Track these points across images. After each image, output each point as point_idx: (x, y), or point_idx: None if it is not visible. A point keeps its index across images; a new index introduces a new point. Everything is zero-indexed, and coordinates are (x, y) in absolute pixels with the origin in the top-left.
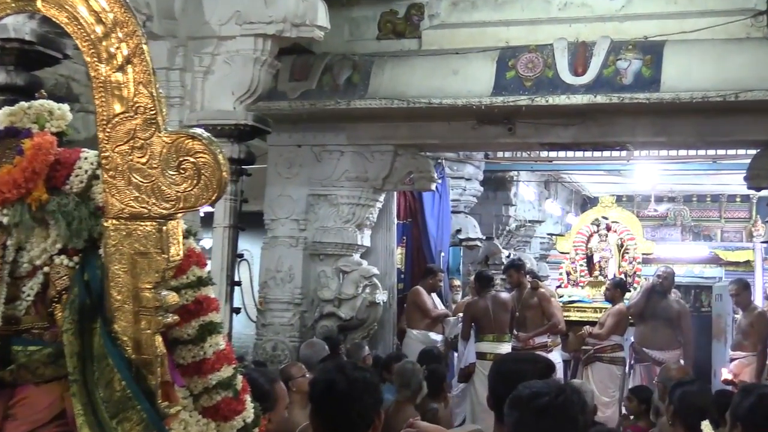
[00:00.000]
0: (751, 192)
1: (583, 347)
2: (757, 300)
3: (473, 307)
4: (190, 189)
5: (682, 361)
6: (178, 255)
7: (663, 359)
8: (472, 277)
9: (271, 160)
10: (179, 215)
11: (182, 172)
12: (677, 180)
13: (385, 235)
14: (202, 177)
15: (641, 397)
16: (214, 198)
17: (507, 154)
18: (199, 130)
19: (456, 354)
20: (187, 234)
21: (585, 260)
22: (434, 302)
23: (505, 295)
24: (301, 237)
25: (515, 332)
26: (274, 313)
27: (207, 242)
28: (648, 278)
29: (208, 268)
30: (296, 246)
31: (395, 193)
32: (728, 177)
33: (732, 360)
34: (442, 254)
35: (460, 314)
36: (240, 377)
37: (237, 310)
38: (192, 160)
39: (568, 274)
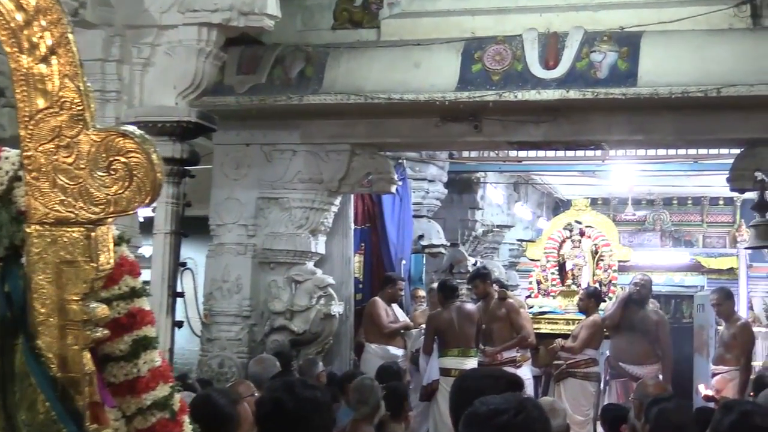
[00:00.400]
0: (735, 194)
1: (555, 362)
2: (741, 310)
3: (436, 319)
4: (121, 191)
5: (660, 377)
6: (109, 263)
7: (640, 374)
8: (435, 286)
9: (216, 161)
10: (110, 220)
11: (113, 173)
12: (656, 182)
13: (342, 242)
14: (134, 178)
15: (608, 416)
16: (147, 201)
17: (473, 154)
18: (131, 127)
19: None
20: (119, 240)
21: (557, 268)
22: (394, 314)
23: (470, 306)
24: (249, 244)
25: (482, 346)
26: (221, 326)
27: (147, 250)
28: (624, 287)
29: (144, 277)
30: (244, 254)
31: (352, 196)
32: (710, 178)
33: (714, 375)
34: (403, 262)
35: (423, 326)
36: (177, 396)
37: (179, 324)
38: (123, 160)
39: (539, 283)
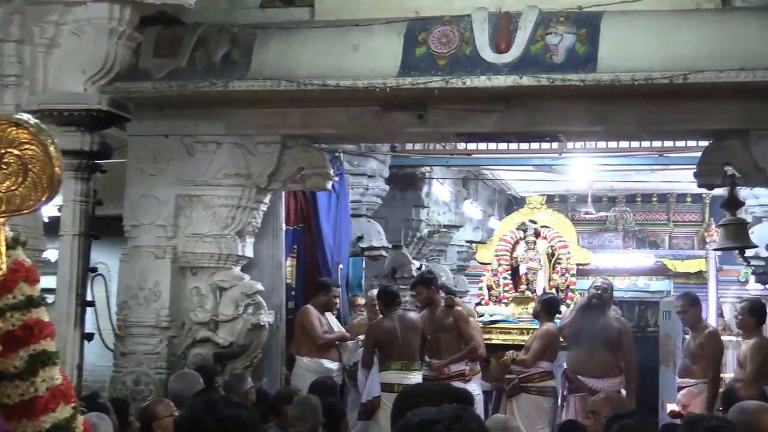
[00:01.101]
0: (703, 191)
1: (507, 376)
2: (711, 317)
3: (377, 329)
4: (14, 188)
5: (623, 391)
6: (1, 269)
7: (601, 388)
8: (373, 293)
9: (131, 154)
10: (2, 220)
11: (4, 167)
12: (618, 177)
13: (272, 244)
14: (29, 173)
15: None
16: (45, 198)
17: (417, 147)
18: (25, 116)
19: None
20: (14, 243)
21: (509, 272)
22: (329, 323)
23: (414, 314)
24: (169, 247)
25: (427, 359)
26: (137, 339)
27: (52, 254)
28: (583, 293)
29: (47, 284)
30: (163, 257)
31: (283, 193)
32: (677, 173)
33: (680, 389)
34: (341, 266)
35: (360, 337)
36: (81, 419)
37: (89, 337)
38: (16, 152)
39: (490, 288)
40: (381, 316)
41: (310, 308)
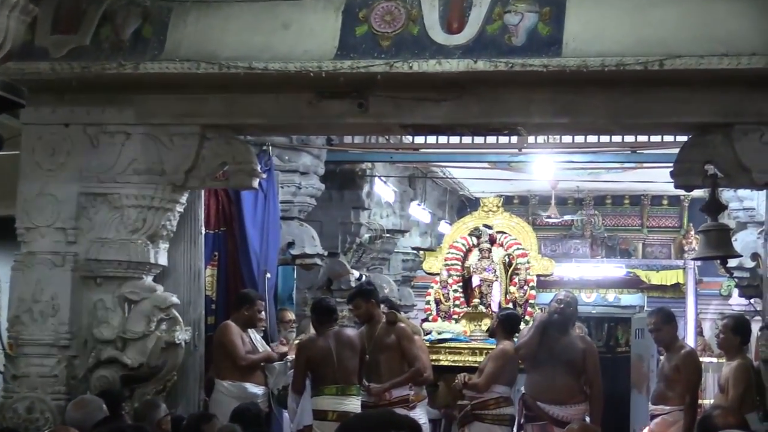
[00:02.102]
0: (682, 192)
1: (459, 402)
2: (688, 336)
3: (309, 349)
4: None
5: (587, 419)
6: None
7: (563, 416)
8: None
9: (25, 145)
10: None
11: None
12: (585, 176)
13: (189, 251)
14: None
15: None
16: None
17: (357, 140)
18: None
19: (285, 413)
20: None
21: (461, 284)
22: (252, 342)
23: (352, 332)
24: (69, 253)
25: (365, 382)
26: (30, 359)
27: None
28: (544, 308)
29: None
30: (62, 265)
31: (203, 192)
32: (652, 172)
33: (653, 417)
34: (268, 275)
35: (290, 357)
36: None
37: None
38: None
39: (438, 302)
40: (312, 332)
41: (231, 325)
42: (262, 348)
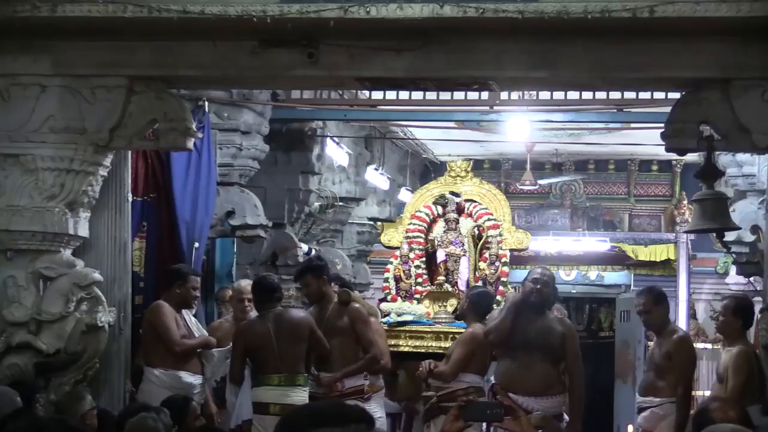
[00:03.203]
0: (674, 157)
1: (423, 393)
2: (680, 319)
3: (248, 333)
4: None
5: (566, 413)
6: None
7: (538, 408)
8: (241, 285)
9: None
10: None
11: None
12: (565, 138)
13: (114, 221)
14: None
15: None
16: None
17: (307, 95)
18: None
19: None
20: None
21: (424, 259)
22: (187, 325)
23: (298, 313)
24: None
25: (314, 371)
26: None
27: None
28: (518, 287)
29: None
30: None
31: (130, 154)
32: (640, 134)
33: (641, 410)
34: (196, 245)
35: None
36: None
37: None
38: None
39: (398, 280)
40: (254, 314)
41: (163, 305)
42: (198, 331)
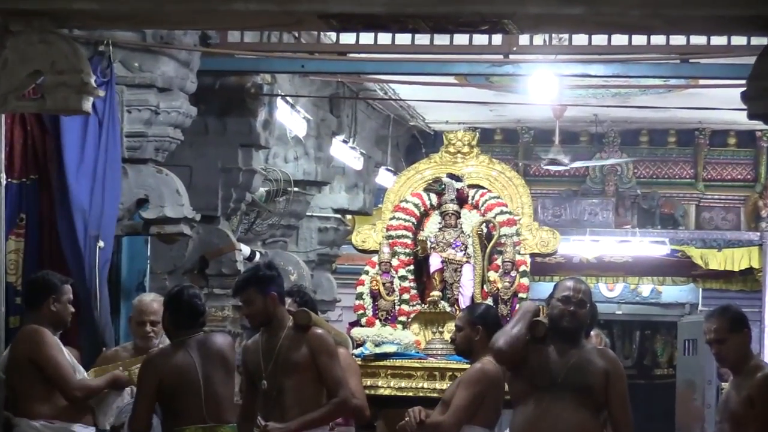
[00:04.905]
0: (758, 126)
1: None
2: (767, 352)
3: (164, 366)
4: None
5: None
6: None
7: None
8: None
9: None
10: None
11: None
12: (608, 99)
13: None
14: None
15: None
16: None
17: (250, 38)
18: None
19: None
20: None
21: (412, 267)
22: (71, 357)
23: (224, 340)
24: None
25: (260, 420)
26: None
27: None
28: (542, 305)
29: None
30: None
31: (2, 119)
32: (711, 93)
33: None
34: (101, 245)
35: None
36: None
37: None
38: None
39: (376, 296)
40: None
41: (43, 331)
42: (80, 365)
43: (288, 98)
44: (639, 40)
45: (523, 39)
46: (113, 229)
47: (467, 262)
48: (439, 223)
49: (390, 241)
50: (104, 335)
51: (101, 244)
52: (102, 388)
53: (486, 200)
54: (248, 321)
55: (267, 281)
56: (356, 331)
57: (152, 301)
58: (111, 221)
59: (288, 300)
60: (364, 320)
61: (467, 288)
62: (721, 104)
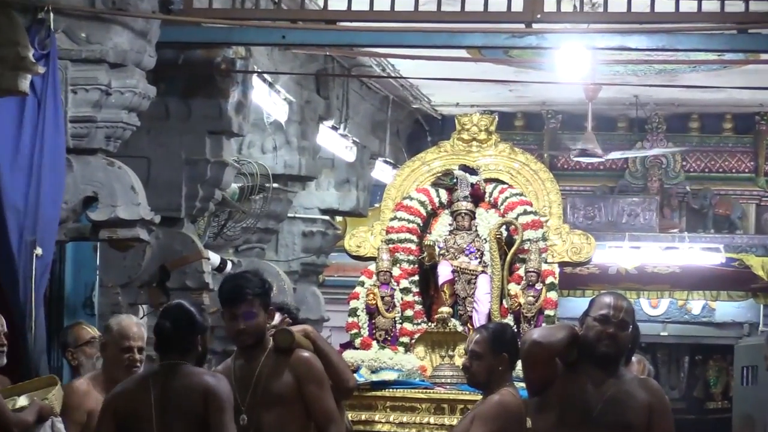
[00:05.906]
0: None
1: None
2: None
3: (118, 401)
4: None
5: None
6: None
7: None
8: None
9: None
10: None
11: None
12: (651, 78)
13: None
14: None
15: None
16: None
17: (219, 3)
18: None
19: None
20: None
21: (417, 278)
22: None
23: (191, 371)
24: None
25: None
26: None
27: None
28: (576, 324)
29: None
30: None
31: None
32: None
33: None
34: (38, 252)
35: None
36: None
37: None
38: None
39: (374, 314)
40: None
41: None
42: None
43: (266, 76)
44: (688, 6)
45: (549, 4)
46: (54, 233)
47: (483, 272)
48: (450, 224)
49: (390, 246)
50: (38, 363)
51: (39, 251)
52: (33, 422)
53: (506, 198)
54: (239, 338)
55: (269, 295)
56: (349, 355)
57: (135, 323)
58: (51, 224)
59: (277, 316)
60: (358, 341)
61: (483, 303)
62: None
